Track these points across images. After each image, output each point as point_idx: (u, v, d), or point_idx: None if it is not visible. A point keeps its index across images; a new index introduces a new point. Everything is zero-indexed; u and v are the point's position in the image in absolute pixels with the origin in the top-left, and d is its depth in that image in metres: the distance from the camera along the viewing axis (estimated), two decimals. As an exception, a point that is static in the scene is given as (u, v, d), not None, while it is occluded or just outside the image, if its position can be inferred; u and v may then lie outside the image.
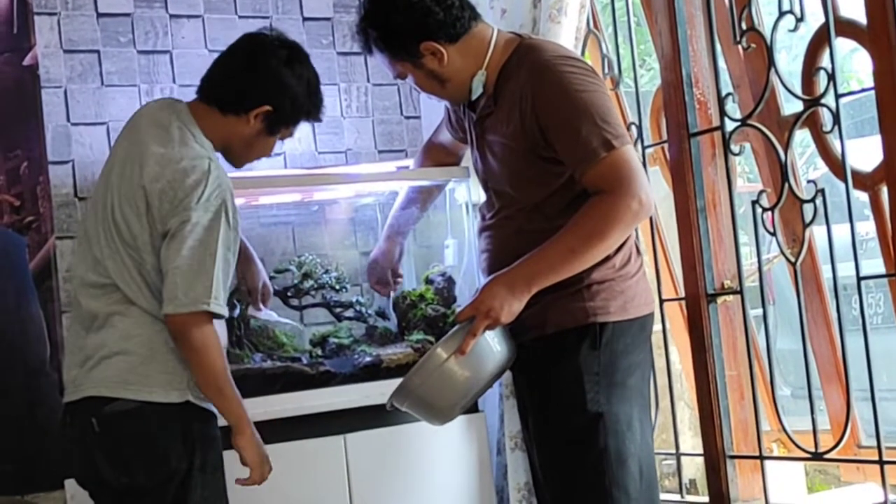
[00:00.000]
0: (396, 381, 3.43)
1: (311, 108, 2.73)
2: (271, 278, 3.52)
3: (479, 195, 3.73)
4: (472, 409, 3.62)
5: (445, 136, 3.16)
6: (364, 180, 3.73)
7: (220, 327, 2.67)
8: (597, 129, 2.44)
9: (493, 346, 2.52)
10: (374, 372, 3.44)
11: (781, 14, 3.06)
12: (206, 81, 2.72)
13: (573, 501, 2.61)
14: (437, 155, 3.27)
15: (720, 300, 3.35)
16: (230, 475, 2.65)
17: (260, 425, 3.18)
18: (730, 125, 3.27)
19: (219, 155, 2.71)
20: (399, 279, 3.37)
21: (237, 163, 2.76)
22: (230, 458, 2.67)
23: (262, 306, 3.21)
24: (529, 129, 2.52)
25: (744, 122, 3.25)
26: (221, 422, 2.65)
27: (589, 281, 2.54)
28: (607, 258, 2.54)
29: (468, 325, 2.48)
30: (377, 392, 3.43)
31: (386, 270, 3.30)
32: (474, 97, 2.67)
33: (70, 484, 3.40)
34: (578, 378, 2.55)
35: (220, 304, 2.50)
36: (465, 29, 2.61)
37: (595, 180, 2.46)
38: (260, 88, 2.64)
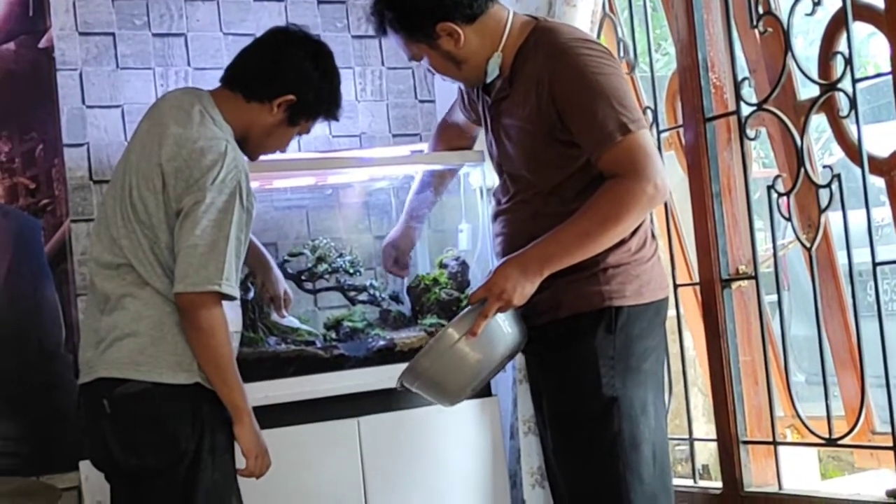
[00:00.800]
0: (410, 365, 3.43)
1: (331, 104, 2.76)
2: (285, 262, 3.53)
3: (493, 179, 3.73)
4: (485, 392, 3.62)
5: (459, 117, 3.15)
6: (378, 164, 3.73)
7: (233, 311, 2.68)
8: (613, 113, 2.43)
9: (504, 328, 2.51)
10: (388, 356, 3.44)
11: (798, -2, 3.05)
12: (232, 69, 2.74)
13: (586, 485, 2.61)
14: (451, 135, 3.26)
15: (735, 285, 3.34)
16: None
17: (274, 408, 3.21)
18: (746, 110, 3.26)
19: None
20: (408, 262, 3.37)
21: (253, 154, 2.77)
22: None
23: (285, 313, 3.22)
24: (546, 111, 2.51)
25: (760, 106, 3.24)
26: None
27: (604, 265, 2.54)
28: (622, 242, 2.53)
29: (480, 306, 2.47)
30: (390, 376, 3.41)
31: (403, 254, 3.30)
32: (490, 80, 2.66)
33: (85, 465, 3.42)
34: (593, 362, 2.54)
35: (231, 286, 2.51)
36: (482, 10, 2.60)
37: (610, 164, 2.45)
38: (286, 77, 2.67)
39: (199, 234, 2.48)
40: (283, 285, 3.19)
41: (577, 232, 2.47)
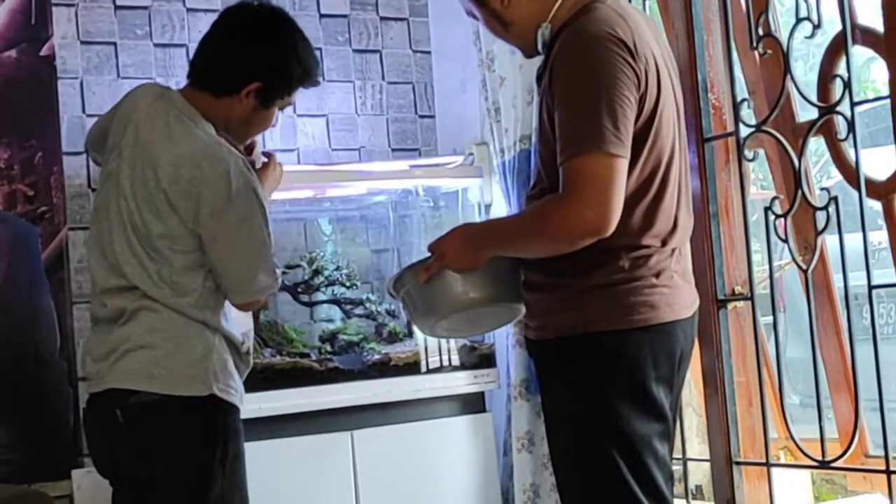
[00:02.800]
0: (405, 379, 3.46)
1: (302, 74, 2.64)
2: (282, 274, 3.53)
3: (492, 196, 3.74)
4: (479, 409, 3.62)
5: None
6: (377, 178, 3.74)
7: (246, 317, 2.72)
8: (588, 124, 2.22)
9: (457, 283, 2.42)
10: (383, 369, 3.45)
11: (798, 20, 3.06)
12: (194, 67, 2.66)
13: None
14: None
15: (730, 306, 3.35)
16: (252, 468, 2.65)
17: (268, 420, 3.22)
18: (744, 131, 3.26)
19: None
20: None
21: (239, 141, 2.70)
22: (251, 450, 2.68)
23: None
24: (547, 99, 2.33)
25: (758, 128, 3.24)
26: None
27: (590, 284, 2.33)
28: (616, 259, 2.32)
29: (429, 259, 2.42)
30: (385, 390, 3.44)
31: None
32: (540, 50, 2.43)
33: (77, 474, 3.42)
34: (571, 394, 2.35)
35: (277, 282, 2.63)
36: None
37: (563, 174, 2.24)
38: (246, 66, 2.58)
39: (239, 249, 2.51)
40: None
41: (512, 232, 2.36)
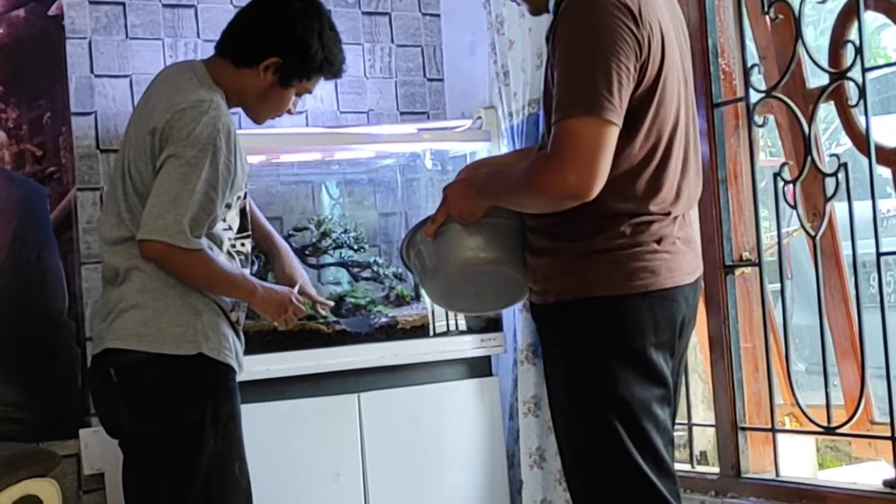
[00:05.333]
0: (412, 342, 3.45)
1: (323, 62, 2.70)
2: (290, 236, 3.53)
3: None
4: (485, 373, 3.63)
5: None
6: (385, 141, 3.73)
7: None
8: (577, 90, 2.20)
9: (464, 239, 2.43)
10: (390, 332, 3.45)
11: (810, -15, 3.05)
12: (223, 36, 2.74)
13: (571, 469, 2.52)
14: None
15: (738, 272, 3.35)
16: (248, 429, 2.67)
17: (275, 382, 3.23)
18: (754, 96, 3.25)
19: (239, 111, 2.75)
20: None
21: (256, 118, 2.77)
22: (248, 411, 2.69)
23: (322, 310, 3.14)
24: (551, 58, 2.30)
25: (768, 93, 3.23)
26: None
27: (590, 249, 2.32)
28: (618, 224, 2.30)
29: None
30: (392, 352, 3.45)
31: None
32: (550, 8, 2.42)
33: (85, 433, 3.45)
34: (574, 358, 2.35)
35: (187, 238, 2.49)
36: None
37: (553, 135, 2.22)
38: (269, 39, 2.65)
39: (164, 184, 2.50)
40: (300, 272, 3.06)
41: (505, 185, 2.36)
